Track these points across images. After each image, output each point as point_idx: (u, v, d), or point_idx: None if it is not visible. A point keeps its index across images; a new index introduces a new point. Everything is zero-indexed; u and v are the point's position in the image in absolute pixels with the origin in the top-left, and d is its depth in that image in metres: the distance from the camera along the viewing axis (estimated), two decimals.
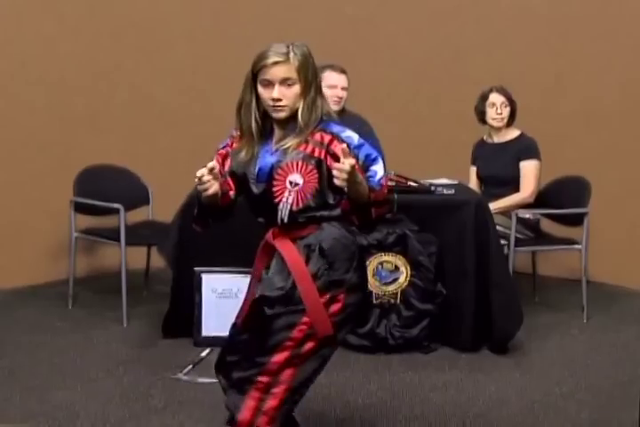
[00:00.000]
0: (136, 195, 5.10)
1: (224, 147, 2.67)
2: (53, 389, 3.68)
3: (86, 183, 4.88)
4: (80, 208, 4.79)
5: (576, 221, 4.75)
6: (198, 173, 2.39)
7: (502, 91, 4.89)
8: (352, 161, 2.32)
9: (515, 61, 5.05)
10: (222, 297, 4.22)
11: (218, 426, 3.30)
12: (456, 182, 4.65)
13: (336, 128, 2.54)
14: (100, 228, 4.85)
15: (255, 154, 2.57)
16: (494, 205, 4.62)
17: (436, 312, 4.21)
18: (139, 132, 5.68)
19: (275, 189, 2.54)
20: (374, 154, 2.53)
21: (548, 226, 4.97)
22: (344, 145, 2.41)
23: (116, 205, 4.58)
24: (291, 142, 2.52)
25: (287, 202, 2.53)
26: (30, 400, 3.55)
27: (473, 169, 5.10)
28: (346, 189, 2.38)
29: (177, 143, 5.77)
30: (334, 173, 2.35)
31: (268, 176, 2.54)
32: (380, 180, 2.51)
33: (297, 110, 2.51)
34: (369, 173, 2.51)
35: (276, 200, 2.54)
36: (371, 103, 4.57)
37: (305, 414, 3.31)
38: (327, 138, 2.52)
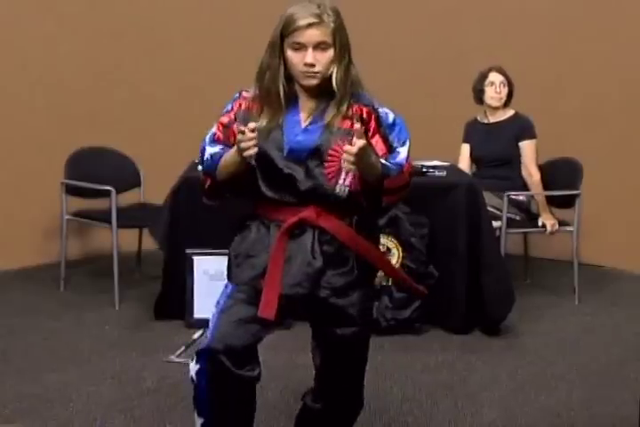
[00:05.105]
0: (127, 177, 5.09)
1: (227, 112, 2.40)
2: (46, 371, 3.69)
3: (77, 165, 4.87)
4: (71, 190, 4.79)
5: (568, 202, 4.76)
6: (244, 128, 2.15)
7: (501, 70, 4.90)
8: (362, 143, 2.12)
9: (515, 61, 5.05)
10: (214, 279, 4.21)
11: None
12: (447, 164, 4.64)
13: (375, 101, 2.36)
14: (91, 210, 4.84)
15: (280, 123, 2.33)
16: (544, 211, 4.76)
17: (427, 294, 4.21)
18: (139, 131, 5.65)
19: (328, 170, 2.30)
20: (404, 136, 2.35)
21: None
22: (357, 125, 2.15)
23: (107, 188, 4.57)
24: (331, 117, 2.31)
25: (344, 184, 2.29)
26: (23, 382, 3.55)
27: (464, 146, 5.08)
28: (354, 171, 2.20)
29: (177, 143, 5.72)
30: (343, 155, 2.16)
31: (311, 155, 2.31)
32: (400, 163, 2.30)
33: (329, 77, 2.30)
34: (392, 155, 2.31)
35: (331, 182, 2.30)
36: None
37: (296, 395, 3.32)
38: (365, 110, 2.34)
